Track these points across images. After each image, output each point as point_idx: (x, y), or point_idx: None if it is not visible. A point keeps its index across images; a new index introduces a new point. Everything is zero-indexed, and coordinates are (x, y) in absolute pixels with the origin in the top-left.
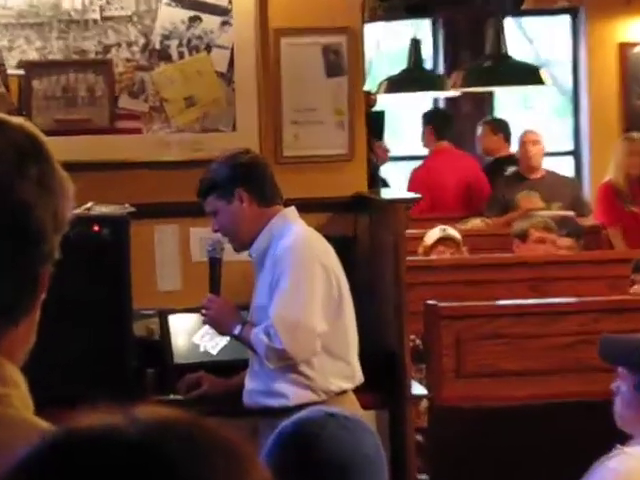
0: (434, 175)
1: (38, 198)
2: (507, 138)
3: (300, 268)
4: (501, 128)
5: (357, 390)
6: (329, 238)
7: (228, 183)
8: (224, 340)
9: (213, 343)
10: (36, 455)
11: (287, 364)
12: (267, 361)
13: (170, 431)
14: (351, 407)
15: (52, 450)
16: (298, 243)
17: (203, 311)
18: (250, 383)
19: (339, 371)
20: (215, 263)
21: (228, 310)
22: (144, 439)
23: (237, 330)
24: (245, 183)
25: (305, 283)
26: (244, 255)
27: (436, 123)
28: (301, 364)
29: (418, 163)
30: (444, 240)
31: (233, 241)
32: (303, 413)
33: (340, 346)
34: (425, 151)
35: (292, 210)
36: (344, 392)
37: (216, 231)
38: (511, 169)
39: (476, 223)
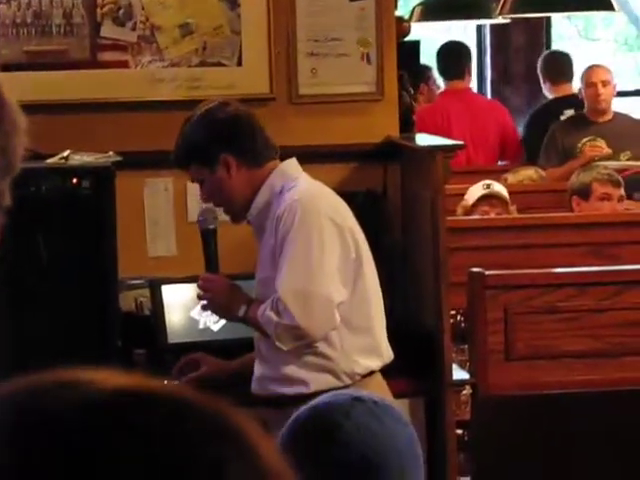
0: (441, 120)
1: None
2: (568, 75)
3: (308, 227)
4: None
5: (387, 374)
6: (353, 193)
7: (208, 148)
8: None
9: (215, 318)
10: None
11: (302, 343)
12: (279, 342)
13: (151, 402)
14: (379, 392)
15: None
16: (303, 199)
17: (200, 293)
18: (259, 368)
19: (363, 347)
20: (209, 235)
21: (230, 289)
22: (112, 402)
23: (242, 311)
24: (229, 145)
25: (315, 244)
26: None
27: (442, 59)
28: (318, 342)
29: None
30: (488, 198)
31: (227, 212)
32: (324, 397)
33: (362, 317)
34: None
35: (292, 162)
36: (371, 373)
37: (206, 200)
38: (569, 112)
39: (528, 174)
